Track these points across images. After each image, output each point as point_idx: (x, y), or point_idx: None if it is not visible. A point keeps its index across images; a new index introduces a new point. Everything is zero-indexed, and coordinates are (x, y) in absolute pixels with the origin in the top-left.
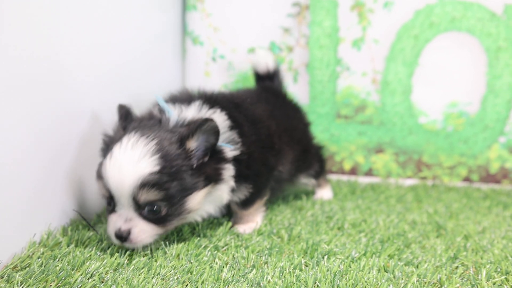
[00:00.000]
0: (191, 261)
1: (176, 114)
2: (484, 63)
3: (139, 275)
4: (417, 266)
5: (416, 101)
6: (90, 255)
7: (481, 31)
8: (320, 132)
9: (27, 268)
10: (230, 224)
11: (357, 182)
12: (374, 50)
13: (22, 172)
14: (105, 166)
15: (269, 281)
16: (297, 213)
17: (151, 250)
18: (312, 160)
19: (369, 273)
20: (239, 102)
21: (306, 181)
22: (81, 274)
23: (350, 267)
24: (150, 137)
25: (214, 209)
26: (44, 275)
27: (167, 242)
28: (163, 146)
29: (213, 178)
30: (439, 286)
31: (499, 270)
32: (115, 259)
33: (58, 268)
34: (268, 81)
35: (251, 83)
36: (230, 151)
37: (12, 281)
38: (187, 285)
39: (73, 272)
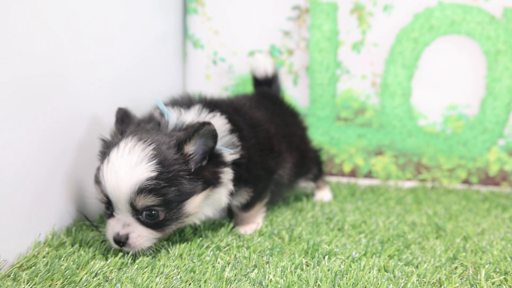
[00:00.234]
0: (194, 260)
1: (175, 118)
2: (483, 66)
3: (143, 274)
4: (417, 266)
5: (415, 103)
6: (94, 255)
7: (481, 34)
8: (320, 135)
9: (33, 267)
10: (231, 225)
11: (357, 184)
12: (373, 53)
13: (26, 174)
14: (102, 171)
15: (271, 280)
16: (297, 214)
17: (154, 250)
18: (310, 164)
19: (369, 272)
20: (238, 107)
21: (304, 184)
22: (86, 273)
23: (351, 267)
24: (147, 142)
25: (213, 212)
26: (50, 274)
27: (169, 243)
28: (160, 151)
29: (212, 182)
30: (439, 285)
31: (498, 270)
32: (119, 258)
33: (63, 267)
34: (266, 86)
35: (251, 86)
36: (230, 154)
37: (18, 280)
38: (190, 284)
39: (78, 271)
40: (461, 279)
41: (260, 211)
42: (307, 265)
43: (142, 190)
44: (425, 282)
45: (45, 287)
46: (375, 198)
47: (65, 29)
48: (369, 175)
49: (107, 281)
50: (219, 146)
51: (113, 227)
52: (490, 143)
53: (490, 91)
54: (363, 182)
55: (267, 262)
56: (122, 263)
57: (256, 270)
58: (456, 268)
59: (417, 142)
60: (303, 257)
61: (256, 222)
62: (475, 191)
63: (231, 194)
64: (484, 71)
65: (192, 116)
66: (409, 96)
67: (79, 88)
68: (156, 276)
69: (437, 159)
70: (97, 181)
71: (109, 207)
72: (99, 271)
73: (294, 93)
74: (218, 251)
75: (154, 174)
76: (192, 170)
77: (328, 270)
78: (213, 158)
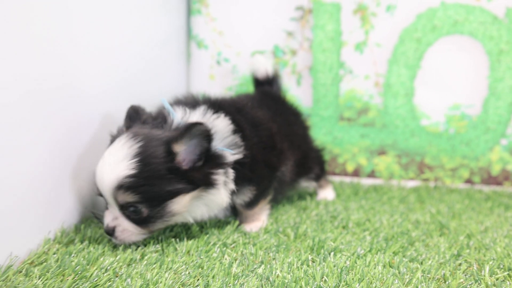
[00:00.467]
0: (201, 257)
1: (180, 117)
2: (486, 66)
3: (152, 269)
4: (422, 263)
5: (418, 103)
6: (104, 251)
7: (483, 35)
8: (323, 135)
9: (44, 263)
10: (237, 222)
11: (360, 184)
12: (376, 53)
13: (36, 174)
14: (97, 165)
15: (277, 276)
16: (302, 212)
17: (162, 246)
18: (312, 164)
19: (374, 268)
20: (240, 107)
21: (306, 184)
22: (96, 269)
23: (356, 263)
24: (137, 139)
25: (213, 211)
26: (61, 269)
27: (177, 239)
28: (147, 149)
29: (202, 183)
30: (443, 281)
31: (501, 266)
32: (128, 255)
33: (73, 263)
34: (267, 86)
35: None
36: (232, 155)
37: (30, 275)
38: (198, 279)
39: (88, 267)
40: (465, 275)
41: (264, 208)
42: (313, 261)
43: (121, 187)
44: (430, 278)
45: (57, 282)
46: (378, 197)
47: (71, 32)
48: (372, 174)
49: (117, 276)
50: (222, 146)
51: (106, 218)
52: (493, 142)
53: (492, 91)
54: (366, 181)
55: (274, 259)
56: (131, 259)
57: (263, 266)
58: (460, 264)
59: (420, 142)
60: (309, 254)
61: (260, 219)
62: (477, 190)
63: (234, 193)
64: (487, 71)
65: (197, 116)
66: (412, 96)
67: (85, 89)
68: (165, 272)
69: (440, 159)
70: (94, 174)
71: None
72: (109, 267)
73: (297, 93)
74: (225, 248)
75: (133, 172)
76: (183, 169)
77: (334, 266)
78: (211, 159)
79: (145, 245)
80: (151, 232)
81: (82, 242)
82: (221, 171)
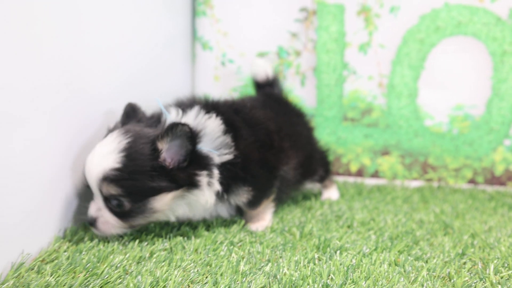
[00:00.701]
0: (209, 255)
1: (173, 117)
2: (490, 67)
3: (161, 267)
4: (427, 261)
5: (421, 104)
6: (113, 249)
7: (487, 35)
8: (327, 135)
9: (55, 261)
10: (243, 222)
11: (364, 184)
12: (380, 54)
13: (46, 173)
14: (87, 157)
15: (285, 274)
16: (306, 212)
17: (170, 245)
18: (317, 166)
19: (380, 266)
20: (238, 107)
21: (311, 186)
22: (107, 266)
23: (362, 262)
24: (128, 135)
25: (196, 211)
26: (72, 267)
27: (184, 238)
28: (134, 145)
29: (186, 183)
30: (449, 279)
31: (506, 265)
32: (137, 253)
33: (84, 260)
34: (268, 88)
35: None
36: (218, 156)
37: (42, 272)
38: (207, 277)
39: (99, 264)
40: (470, 273)
41: (268, 208)
42: (320, 260)
43: (105, 179)
44: (435, 276)
45: (69, 279)
46: (382, 197)
47: (79, 33)
48: (375, 174)
49: (127, 273)
50: (212, 146)
51: (90, 209)
52: (496, 143)
53: (496, 91)
54: (370, 181)
55: (280, 257)
56: (140, 257)
57: (270, 264)
58: (465, 263)
59: (424, 142)
60: (315, 252)
61: (265, 219)
62: (481, 190)
63: (229, 193)
64: (490, 71)
65: (190, 116)
66: (415, 96)
67: (93, 90)
68: (174, 269)
69: (443, 159)
70: (84, 165)
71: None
72: (119, 265)
73: (301, 93)
74: (232, 247)
75: (118, 165)
76: (168, 168)
77: (340, 264)
78: (196, 160)
79: (153, 244)
80: (132, 227)
81: (91, 240)
82: (205, 172)
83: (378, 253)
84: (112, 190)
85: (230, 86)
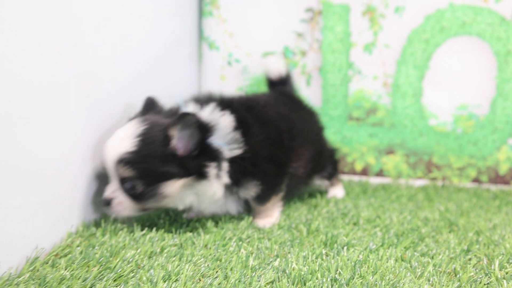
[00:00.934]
0: (219, 250)
1: (190, 111)
2: (494, 67)
3: (173, 262)
4: (432, 257)
5: (426, 103)
6: (125, 244)
7: (491, 36)
8: (332, 134)
9: (69, 255)
10: (251, 218)
11: (368, 183)
12: (385, 54)
13: (59, 170)
14: (107, 141)
15: (293, 268)
16: (313, 210)
17: (180, 240)
18: (326, 162)
19: (387, 262)
20: (252, 105)
21: (319, 182)
22: (119, 261)
23: (369, 257)
24: (145, 123)
25: (204, 202)
26: (86, 261)
27: (194, 234)
28: (149, 132)
29: (195, 172)
30: (454, 275)
31: (511, 261)
32: (148, 248)
33: (97, 255)
34: (281, 86)
35: (265, 86)
36: (229, 150)
37: (57, 266)
38: (217, 271)
39: (111, 258)
40: (475, 269)
41: (276, 205)
42: (327, 255)
43: (121, 161)
44: (441, 272)
45: (83, 273)
46: (387, 196)
47: (91, 34)
48: (380, 173)
49: (139, 268)
50: (224, 141)
51: (107, 190)
52: (500, 142)
53: (500, 91)
54: (375, 180)
55: (289, 252)
56: (152, 252)
57: (278, 259)
58: (470, 259)
59: (428, 141)
60: (323, 248)
61: (273, 215)
62: (485, 189)
63: (238, 186)
64: (495, 71)
65: (206, 111)
66: (420, 96)
67: (103, 88)
68: (185, 264)
69: (448, 158)
70: (103, 149)
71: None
72: (131, 259)
73: (307, 93)
74: (240, 242)
75: (133, 149)
76: (178, 155)
77: (348, 259)
78: (206, 152)
79: (163, 239)
80: (144, 210)
81: (103, 235)
82: (214, 164)
83: (384, 249)
84: (126, 172)
85: (236, 86)
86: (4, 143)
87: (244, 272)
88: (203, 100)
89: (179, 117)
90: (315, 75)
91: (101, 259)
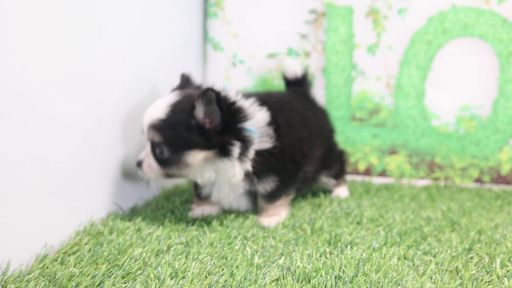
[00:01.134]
0: (224, 248)
1: (232, 95)
2: (496, 68)
3: (179, 259)
4: (435, 256)
5: (429, 104)
6: (132, 243)
7: (493, 37)
8: (335, 134)
9: (78, 253)
10: (255, 217)
11: (371, 183)
12: (388, 55)
13: (66, 170)
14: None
15: (298, 266)
16: (316, 209)
17: (186, 239)
18: (335, 161)
19: (390, 260)
20: (279, 107)
21: (326, 180)
22: (127, 258)
23: (372, 256)
24: (179, 95)
25: (222, 182)
26: (94, 258)
27: (200, 232)
28: (179, 103)
29: (217, 146)
30: (456, 273)
31: None
32: (155, 246)
33: (105, 253)
34: (297, 86)
35: (269, 87)
36: (259, 142)
37: (66, 263)
38: (223, 269)
39: (119, 256)
40: (477, 267)
41: (284, 205)
42: (331, 254)
43: (152, 126)
44: (443, 270)
45: (91, 270)
46: (390, 195)
47: (98, 35)
48: (383, 173)
49: (146, 265)
50: (256, 131)
51: (142, 153)
52: (502, 142)
53: (502, 92)
54: (377, 180)
55: (293, 251)
56: (159, 250)
57: (283, 258)
58: (472, 257)
59: (430, 142)
60: (327, 247)
61: (279, 215)
62: (487, 189)
63: (257, 179)
64: (497, 72)
65: (247, 103)
66: (422, 97)
67: (110, 87)
68: (192, 261)
69: (450, 158)
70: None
71: None
72: (138, 257)
73: None
74: (245, 241)
75: (163, 117)
76: (203, 126)
77: (351, 257)
78: (235, 132)
79: (170, 238)
80: (168, 175)
81: (111, 234)
82: (238, 144)
83: (387, 248)
84: (156, 137)
85: (241, 86)
86: (12, 142)
87: (250, 269)
88: (246, 94)
89: (203, 92)
90: (318, 75)
91: (109, 257)
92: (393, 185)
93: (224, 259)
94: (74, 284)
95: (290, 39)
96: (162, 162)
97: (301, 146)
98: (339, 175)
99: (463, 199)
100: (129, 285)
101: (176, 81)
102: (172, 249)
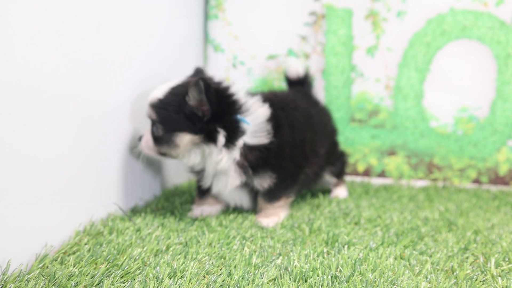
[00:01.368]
0: (223, 248)
1: (240, 94)
2: (494, 70)
3: (178, 259)
4: (431, 256)
5: (427, 105)
6: (131, 243)
7: (491, 39)
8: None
9: (77, 253)
10: (254, 218)
11: (370, 183)
12: (387, 57)
13: (66, 170)
14: None
15: (295, 266)
16: (315, 209)
17: (185, 239)
18: (337, 159)
19: (386, 260)
20: (284, 106)
21: (328, 179)
22: (126, 258)
23: (369, 255)
24: (184, 81)
25: (209, 167)
26: (94, 258)
27: (199, 232)
28: (179, 86)
29: (203, 132)
30: (451, 272)
31: (506, 259)
32: (154, 246)
33: (105, 252)
34: (299, 86)
35: (269, 88)
36: (257, 137)
37: (66, 263)
38: (221, 268)
39: (118, 256)
40: (472, 267)
41: (284, 207)
42: (328, 253)
43: (151, 105)
44: (438, 269)
45: (91, 270)
46: (388, 196)
47: (99, 36)
48: (382, 174)
49: (145, 265)
50: (255, 128)
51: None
52: (500, 144)
53: (500, 93)
54: (377, 181)
55: (291, 251)
56: (158, 250)
57: (281, 257)
58: (467, 257)
59: (429, 143)
60: (324, 247)
61: (278, 216)
62: (485, 190)
63: (255, 173)
64: (494, 74)
65: (253, 100)
66: (421, 98)
67: (110, 88)
68: (190, 261)
69: (448, 159)
70: None
71: None
72: (137, 257)
73: None
74: (244, 241)
75: (161, 97)
76: (194, 113)
77: (348, 257)
78: (225, 122)
79: (169, 238)
80: (160, 153)
81: (110, 234)
82: (222, 133)
83: (384, 248)
84: (153, 115)
85: (241, 88)
86: (12, 142)
87: (248, 269)
88: (252, 93)
89: (195, 81)
90: (318, 77)
91: (108, 257)
92: (392, 186)
93: (222, 259)
94: (73, 284)
95: (290, 41)
96: (156, 139)
97: (303, 148)
98: (340, 174)
99: (461, 200)
100: (128, 284)
101: None
102: (171, 249)
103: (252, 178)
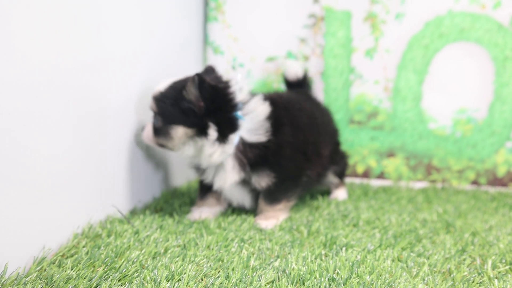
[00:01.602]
0: (221, 251)
1: (244, 92)
2: (492, 72)
3: (176, 262)
4: (428, 258)
5: (426, 107)
6: (129, 245)
7: (489, 42)
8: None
9: (75, 256)
10: (253, 220)
11: (369, 185)
12: (386, 59)
13: (65, 173)
14: None
15: (293, 268)
16: (314, 211)
17: (183, 242)
18: (340, 159)
19: (384, 262)
20: (288, 106)
21: (332, 179)
22: (124, 261)
23: (367, 258)
24: (187, 77)
25: (202, 160)
26: (91, 261)
27: (197, 234)
28: (181, 82)
29: (196, 126)
30: (449, 274)
31: (503, 261)
32: (152, 248)
33: (103, 255)
34: (298, 87)
35: (268, 90)
36: (256, 135)
37: (63, 266)
38: (219, 271)
39: (116, 259)
40: (469, 268)
41: (284, 210)
42: (326, 256)
43: (153, 97)
44: (436, 271)
45: (89, 273)
46: (387, 198)
47: (99, 38)
48: (381, 176)
49: (143, 268)
50: (254, 125)
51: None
52: (498, 145)
53: (498, 95)
54: (376, 182)
55: (289, 253)
56: (156, 252)
57: (279, 260)
58: (464, 259)
59: (428, 145)
60: (322, 249)
61: (277, 218)
62: (483, 191)
63: (253, 170)
64: (492, 76)
65: (254, 100)
66: (419, 100)
67: (110, 90)
68: (188, 264)
69: (447, 161)
70: None
71: None
72: (135, 260)
73: None
74: (242, 243)
75: (163, 90)
76: (189, 105)
77: (346, 260)
78: (219, 117)
79: (167, 240)
80: (157, 144)
81: (108, 236)
82: (214, 127)
83: (382, 250)
84: (153, 107)
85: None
86: (11, 143)
87: (245, 272)
88: (255, 93)
89: (192, 77)
90: (317, 79)
91: (106, 260)
92: (391, 188)
93: (220, 262)
94: (70, 287)
95: (289, 43)
96: (156, 130)
97: (305, 149)
98: (341, 174)
99: (459, 201)
100: (125, 287)
101: None
102: (169, 251)
103: (250, 175)
